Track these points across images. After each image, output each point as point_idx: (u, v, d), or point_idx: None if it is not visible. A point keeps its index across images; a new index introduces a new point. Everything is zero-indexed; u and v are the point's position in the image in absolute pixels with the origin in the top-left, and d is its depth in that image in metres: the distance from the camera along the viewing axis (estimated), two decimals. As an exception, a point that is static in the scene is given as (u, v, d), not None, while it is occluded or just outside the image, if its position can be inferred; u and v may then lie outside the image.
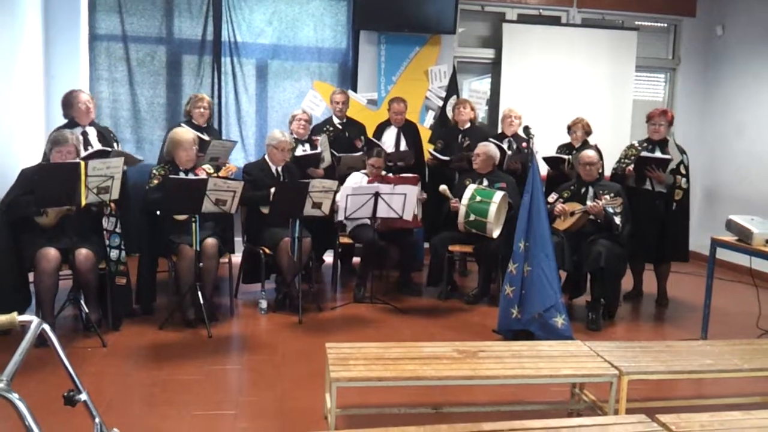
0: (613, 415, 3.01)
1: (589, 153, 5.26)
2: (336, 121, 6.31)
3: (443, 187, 5.51)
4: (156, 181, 4.72)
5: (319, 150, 5.82)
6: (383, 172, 5.62)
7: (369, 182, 5.44)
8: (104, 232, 4.52)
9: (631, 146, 5.72)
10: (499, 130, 6.45)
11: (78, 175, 3.98)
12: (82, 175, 4.00)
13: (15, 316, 1.90)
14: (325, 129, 6.24)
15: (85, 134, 5.00)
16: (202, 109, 5.69)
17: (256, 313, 5.04)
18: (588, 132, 5.98)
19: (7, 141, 5.57)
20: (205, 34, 6.84)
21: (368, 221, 5.34)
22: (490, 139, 5.95)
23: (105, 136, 5.12)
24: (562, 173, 5.86)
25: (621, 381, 3.04)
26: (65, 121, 5.06)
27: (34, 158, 5.64)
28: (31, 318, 1.92)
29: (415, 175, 5.67)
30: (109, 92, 6.66)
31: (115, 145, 5.15)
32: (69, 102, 5.00)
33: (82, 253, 4.18)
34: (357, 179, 5.55)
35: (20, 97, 5.84)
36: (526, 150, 5.61)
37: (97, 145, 4.94)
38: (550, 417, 2.87)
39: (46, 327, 1.96)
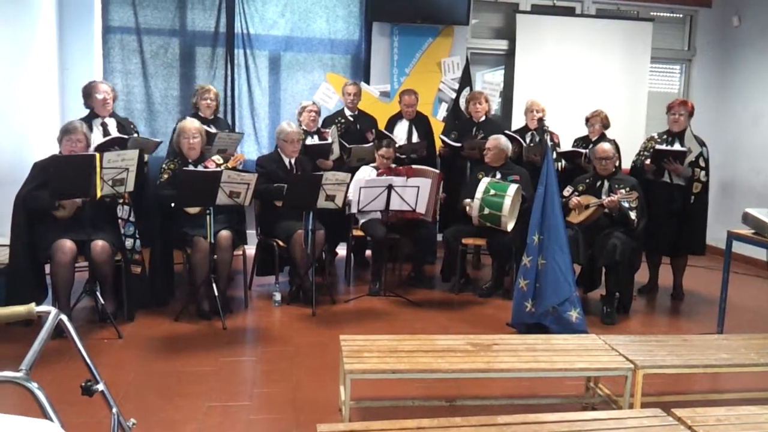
0: (628, 409, 3.00)
1: (605, 146, 5.21)
2: (348, 113, 6.30)
3: (467, 201, 5.42)
4: (166, 176, 4.73)
5: (329, 141, 5.82)
6: (392, 165, 5.61)
7: (379, 175, 5.43)
8: (119, 221, 4.56)
9: (651, 138, 5.66)
10: (522, 123, 6.37)
11: (93, 167, 4.00)
12: (98, 167, 4.02)
13: (33, 307, 1.91)
14: (336, 121, 6.24)
15: (104, 125, 5.04)
16: (208, 101, 5.67)
17: (270, 306, 5.06)
18: (606, 125, 5.91)
19: (22, 133, 5.61)
20: (218, 26, 6.85)
21: (379, 215, 5.34)
22: (506, 132, 5.91)
23: (125, 126, 5.17)
24: (578, 167, 5.82)
25: (636, 375, 3.03)
26: (86, 111, 5.12)
27: (49, 150, 5.67)
28: (48, 309, 1.94)
29: (439, 172, 5.63)
30: (123, 84, 6.67)
31: (135, 135, 5.18)
32: (88, 92, 5.09)
33: (99, 244, 4.20)
34: (366, 173, 5.53)
35: (35, 89, 5.87)
36: (550, 143, 5.62)
37: (116, 135, 4.98)
38: (565, 411, 2.86)
39: (64, 318, 1.98)
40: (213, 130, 5.47)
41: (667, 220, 5.44)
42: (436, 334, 3.52)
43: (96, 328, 4.39)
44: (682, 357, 3.19)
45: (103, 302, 4.35)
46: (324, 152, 5.75)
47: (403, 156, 6.02)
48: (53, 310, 1.94)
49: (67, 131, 4.36)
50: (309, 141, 5.79)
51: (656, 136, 5.63)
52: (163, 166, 4.82)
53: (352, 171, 5.52)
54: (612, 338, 3.41)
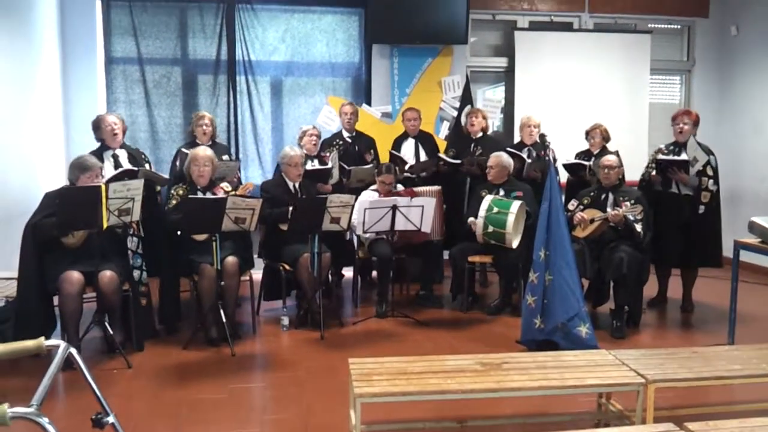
0: (640, 424, 2.97)
1: (610, 157, 5.25)
2: (345, 134, 6.33)
3: (471, 220, 5.43)
4: (174, 201, 4.76)
5: (329, 165, 5.84)
6: (399, 187, 5.63)
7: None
8: (129, 251, 4.58)
9: (659, 150, 5.66)
10: (518, 139, 6.43)
11: (99, 198, 4.02)
12: (103, 198, 4.04)
13: (42, 341, 1.92)
14: (334, 142, 6.26)
15: (116, 157, 5.06)
16: (204, 127, 5.69)
17: (278, 330, 5.05)
18: (606, 138, 5.94)
19: (28, 165, 5.65)
20: (219, 54, 6.92)
21: (385, 236, 5.34)
22: (508, 148, 5.94)
23: (136, 157, 5.19)
24: (582, 180, 5.82)
25: (647, 389, 3.00)
26: (97, 144, 5.14)
27: (55, 181, 5.74)
28: (58, 342, 1.95)
29: (437, 187, 5.65)
30: (126, 114, 6.71)
31: (147, 166, 5.21)
32: (97, 125, 5.11)
33: (107, 275, 4.21)
34: (368, 196, 5.53)
35: (39, 121, 5.93)
36: (546, 158, 5.60)
37: (127, 166, 5.00)
38: (577, 428, 2.85)
39: (73, 351, 1.99)
40: None
41: (677, 231, 5.41)
42: (445, 354, 3.50)
43: (105, 358, 4.39)
44: (693, 369, 3.17)
45: (111, 332, 4.34)
46: (324, 177, 5.77)
47: (414, 176, 6.04)
48: (62, 344, 1.95)
49: (84, 169, 4.34)
50: (309, 164, 5.81)
51: (663, 148, 5.62)
52: (172, 192, 4.85)
53: (352, 192, 5.54)
54: (622, 353, 3.39)
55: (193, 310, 5.05)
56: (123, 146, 5.19)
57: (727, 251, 5.01)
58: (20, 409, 1.59)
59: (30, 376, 3.65)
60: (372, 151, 6.34)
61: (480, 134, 6.28)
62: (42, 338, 1.94)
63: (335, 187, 5.86)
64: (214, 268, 4.53)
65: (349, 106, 6.36)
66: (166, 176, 5.31)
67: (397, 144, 6.42)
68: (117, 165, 5.03)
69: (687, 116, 5.50)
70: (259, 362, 4.39)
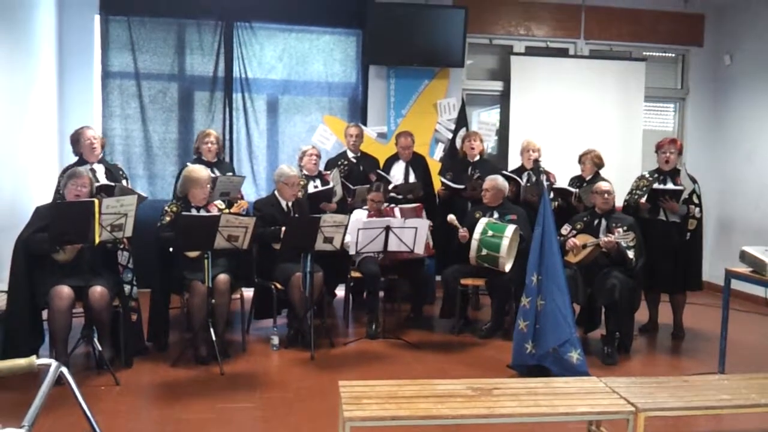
0: (630, 453, 2.97)
1: (605, 184, 5.27)
2: (350, 155, 6.35)
3: (451, 217, 5.49)
4: (168, 218, 4.74)
5: (331, 185, 5.85)
6: (386, 205, 5.63)
7: (369, 217, 5.45)
8: (119, 267, 4.56)
9: (642, 177, 5.72)
10: (516, 162, 6.45)
11: (92, 213, 4.01)
12: (96, 213, 4.03)
13: (34, 360, 1.91)
14: (339, 163, 6.27)
15: (93, 171, 5.05)
16: (209, 145, 5.71)
17: (268, 350, 5.02)
18: (598, 164, 5.91)
19: (21, 178, 5.64)
20: (216, 71, 6.94)
21: (372, 254, 5.33)
22: (503, 172, 5.95)
23: (113, 173, 5.18)
24: (569, 205, 5.83)
25: (637, 418, 3.00)
26: (75, 158, 5.14)
27: (48, 195, 5.72)
28: (49, 361, 1.94)
29: (418, 204, 5.65)
30: (121, 129, 6.73)
31: (123, 182, 5.20)
32: (76, 139, 5.12)
33: (97, 290, 4.19)
34: (358, 216, 5.55)
35: (34, 134, 5.93)
36: (547, 183, 5.65)
37: (104, 182, 5.00)
38: (567, 456, 2.83)
39: (64, 370, 1.98)
40: (216, 173, 5.55)
41: (664, 258, 5.45)
42: (436, 379, 3.49)
43: (93, 374, 4.35)
44: (683, 399, 3.18)
45: (100, 348, 4.31)
46: (327, 196, 5.78)
47: (400, 196, 6.05)
48: (54, 363, 1.94)
49: (72, 175, 4.39)
50: (311, 186, 5.81)
51: (647, 175, 5.67)
52: (166, 208, 4.84)
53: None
54: (613, 380, 3.39)
55: (183, 327, 5.02)
56: (101, 161, 5.19)
57: (718, 278, 5.04)
58: (12, 431, 1.59)
59: (17, 390, 3.62)
60: (376, 171, 6.35)
61: (477, 157, 6.28)
62: (33, 357, 1.93)
63: (339, 204, 5.86)
64: (205, 286, 4.51)
65: (354, 128, 6.39)
66: (144, 194, 5.29)
67: (388, 165, 6.44)
68: (94, 180, 5.02)
69: (673, 145, 5.56)
70: (248, 382, 4.35)
